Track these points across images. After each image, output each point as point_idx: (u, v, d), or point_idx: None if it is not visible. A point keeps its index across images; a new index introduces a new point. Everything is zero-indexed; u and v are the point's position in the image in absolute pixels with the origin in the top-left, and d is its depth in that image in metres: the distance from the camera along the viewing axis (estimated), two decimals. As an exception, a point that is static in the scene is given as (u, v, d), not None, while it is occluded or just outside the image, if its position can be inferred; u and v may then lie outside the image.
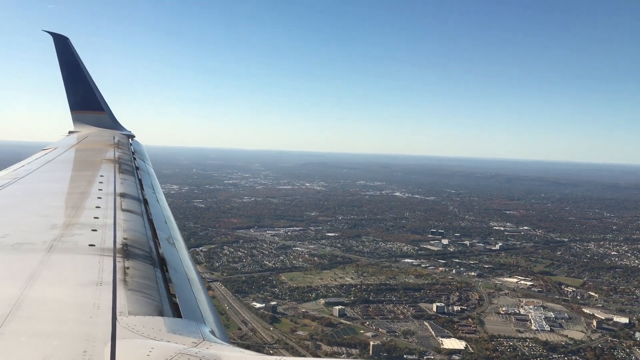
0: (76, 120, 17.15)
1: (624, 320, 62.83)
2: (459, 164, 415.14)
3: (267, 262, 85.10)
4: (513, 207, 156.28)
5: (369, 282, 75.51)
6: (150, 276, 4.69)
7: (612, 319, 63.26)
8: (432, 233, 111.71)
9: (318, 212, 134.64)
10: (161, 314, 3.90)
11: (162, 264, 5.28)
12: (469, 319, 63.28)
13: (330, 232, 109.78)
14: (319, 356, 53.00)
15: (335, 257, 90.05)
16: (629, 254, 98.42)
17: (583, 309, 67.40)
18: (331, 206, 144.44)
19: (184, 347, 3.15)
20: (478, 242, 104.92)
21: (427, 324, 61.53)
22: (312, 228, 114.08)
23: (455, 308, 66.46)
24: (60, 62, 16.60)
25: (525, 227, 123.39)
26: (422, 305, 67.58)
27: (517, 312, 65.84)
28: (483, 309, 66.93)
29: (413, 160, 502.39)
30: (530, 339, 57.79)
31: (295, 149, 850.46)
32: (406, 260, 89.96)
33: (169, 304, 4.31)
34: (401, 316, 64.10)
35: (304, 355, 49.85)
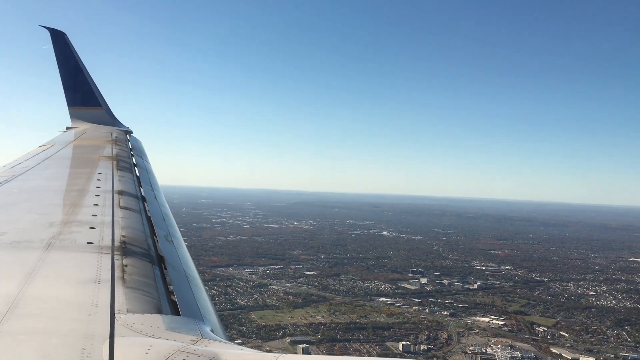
0: (74, 116, 17.11)
1: (591, 360, 62.50)
2: (451, 204, 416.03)
3: (240, 301, 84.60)
4: (498, 247, 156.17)
5: (339, 321, 75.04)
6: (148, 274, 4.67)
7: (578, 359, 62.85)
8: (412, 272, 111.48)
9: (301, 250, 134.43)
10: (160, 311, 3.91)
11: (160, 261, 5.27)
12: (435, 358, 62.80)
13: (309, 271, 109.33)
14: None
15: (310, 296, 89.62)
16: (606, 294, 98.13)
17: (551, 349, 66.93)
18: (315, 245, 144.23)
19: (182, 345, 3.15)
20: (457, 282, 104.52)
21: (391, 363, 60.98)
22: (292, 266, 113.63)
23: (422, 347, 65.96)
24: (58, 58, 16.60)
25: (507, 267, 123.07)
26: (389, 344, 67.08)
27: (484, 351, 65.34)
28: (450, 348, 66.44)
29: (405, 199, 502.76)
30: (494, 378, 57.29)
31: (288, 188, 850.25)
32: (381, 299, 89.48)
33: (168, 301, 4.29)
34: (366, 355, 63.52)
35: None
